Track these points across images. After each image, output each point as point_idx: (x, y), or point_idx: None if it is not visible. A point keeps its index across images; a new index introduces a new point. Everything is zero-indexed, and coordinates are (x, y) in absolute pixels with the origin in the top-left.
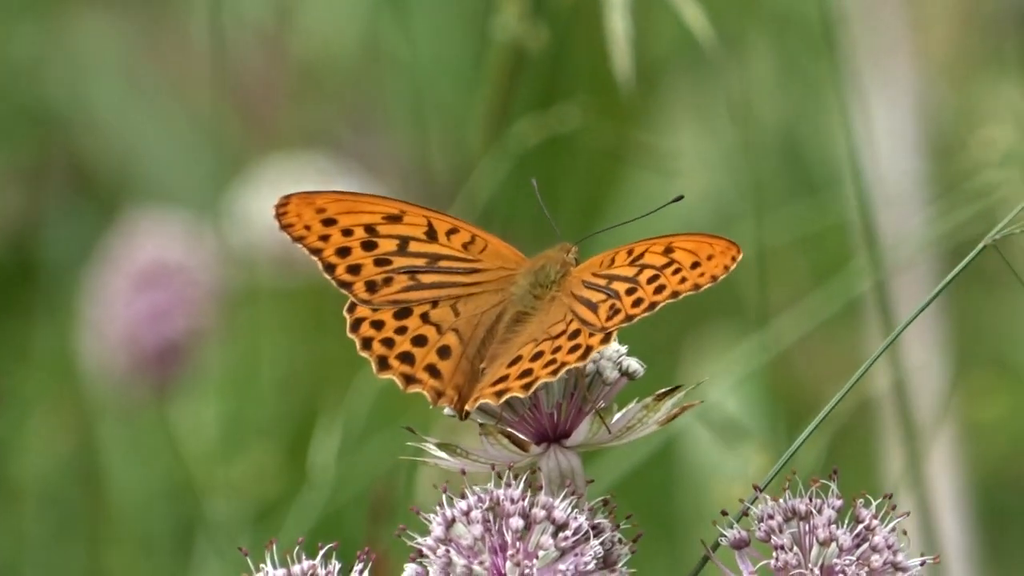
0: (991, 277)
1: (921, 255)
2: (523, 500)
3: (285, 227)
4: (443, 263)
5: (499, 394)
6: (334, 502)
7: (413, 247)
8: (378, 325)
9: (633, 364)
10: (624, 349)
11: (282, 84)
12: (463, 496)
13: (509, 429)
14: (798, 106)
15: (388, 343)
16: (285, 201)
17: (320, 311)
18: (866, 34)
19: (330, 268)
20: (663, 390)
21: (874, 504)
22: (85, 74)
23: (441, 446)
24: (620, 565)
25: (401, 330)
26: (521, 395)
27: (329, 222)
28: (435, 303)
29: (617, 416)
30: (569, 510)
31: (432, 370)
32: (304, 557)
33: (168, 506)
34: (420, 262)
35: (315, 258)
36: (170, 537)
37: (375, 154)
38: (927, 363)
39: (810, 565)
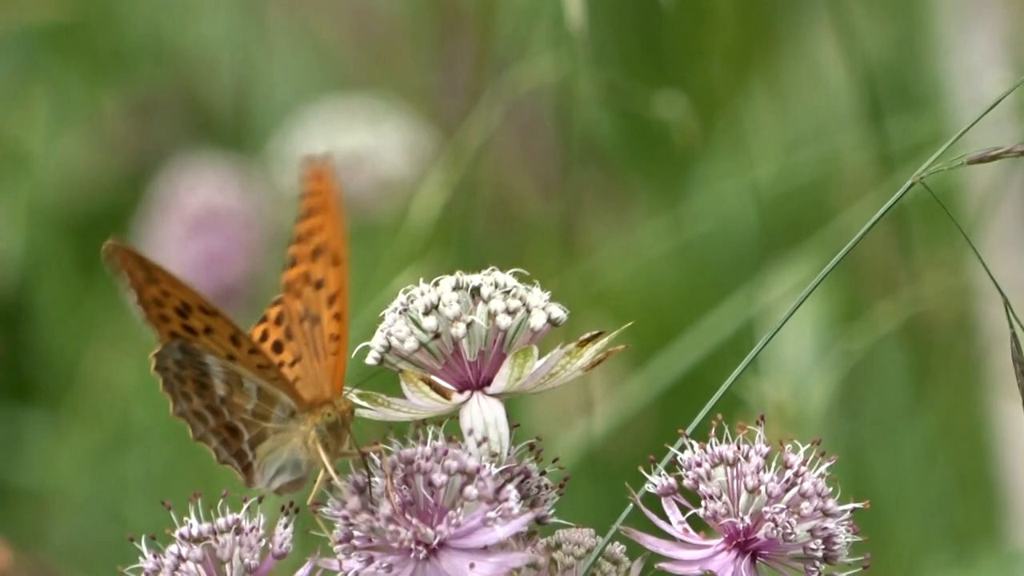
0: None
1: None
2: (440, 455)
3: (111, 261)
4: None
5: None
6: None
7: (216, 339)
8: (180, 380)
9: (556, 311)
10: (547, 295)
11: (403, 19)
12: (378, 459)
13: (431, 377)
14: (897, 36)
15: (186, 397)
16: (112, 247)
17: (368, 250)
18: None
19: (143, 305)
20: (586, 336)
21: (802, 450)
22: (203, 9)
23: (363, 396)
24: (548, 508)
25: (200, 395)
26: None
27: (152, 279)
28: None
29: (540, 363)
30: (487, 460)
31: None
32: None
33: None
34: (220, 352)
35: (132, 292)
36: None
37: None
38: None
39: (739, 513)
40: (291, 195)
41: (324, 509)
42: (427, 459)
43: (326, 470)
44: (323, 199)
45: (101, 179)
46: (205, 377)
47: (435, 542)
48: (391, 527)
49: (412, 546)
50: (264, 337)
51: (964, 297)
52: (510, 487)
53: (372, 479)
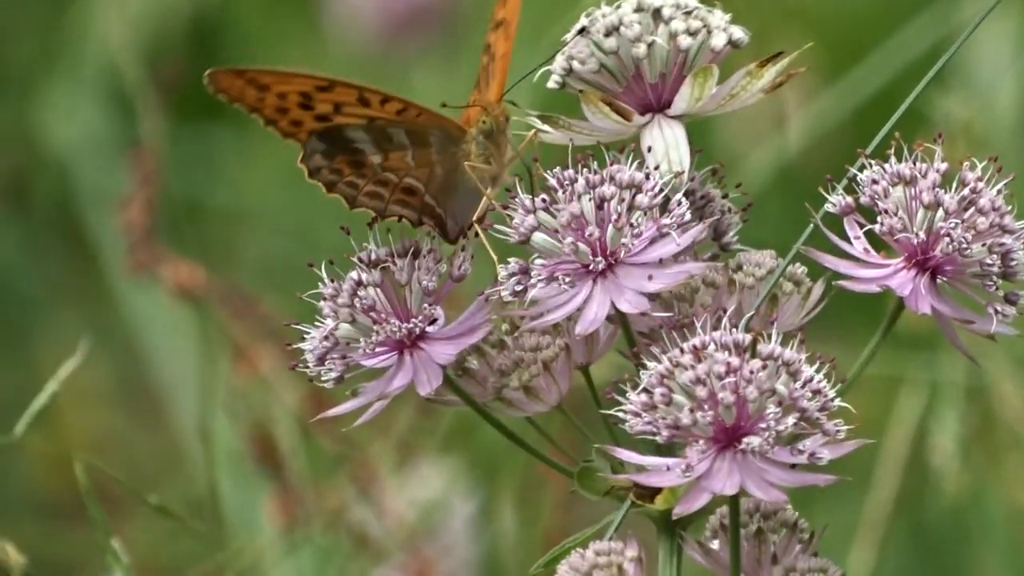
0: None
1: None
2: (610, 171)
3: (219, 93)
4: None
5: None
6: None
7: (348, 110)
8: (338, 172)
9: (738, 32)
10: (728, 17)
11: None
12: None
13: (611, 98)
14: None
15: (352, 185)
16: (212, 75)
17: None
18: None
19: (271, 122)
20: (766, 57)
21: (979, 167)
22: None
23: (543, 118)
24: (731, 234)
25: (361, 175)
26: None
27: (262, 88)
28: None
29: (719, 86)
30: (658, 177)
31: (403, 203)
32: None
33: None
34: (357, 121)
35: (255, 115)
36: None
37: None
38: None
39: (915, 229)
40: None
41: (499, 227)
42: (596, 174)
43: (491, 183)
44: None
45: None
46: (357, 155)
47: (611, 256)
48: (568, 240)
49: (589, 260)
50: None
51: None
52: (681, 198)
53: (543, 197)
